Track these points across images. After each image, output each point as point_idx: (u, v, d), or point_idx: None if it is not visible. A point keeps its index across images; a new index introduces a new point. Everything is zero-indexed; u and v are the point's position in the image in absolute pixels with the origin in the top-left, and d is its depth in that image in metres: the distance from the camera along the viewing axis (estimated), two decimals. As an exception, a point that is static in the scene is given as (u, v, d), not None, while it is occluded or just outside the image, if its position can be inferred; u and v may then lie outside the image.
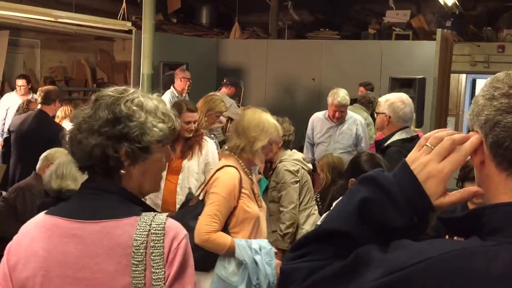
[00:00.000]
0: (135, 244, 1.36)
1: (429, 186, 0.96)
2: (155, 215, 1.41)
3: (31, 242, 1.42)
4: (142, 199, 1.54)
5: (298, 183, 4.12)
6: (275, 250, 2.96)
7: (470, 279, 0.84)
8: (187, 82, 6.61)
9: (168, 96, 6.29)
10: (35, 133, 5.18)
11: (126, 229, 1.39)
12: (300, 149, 5.23)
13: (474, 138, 0.97)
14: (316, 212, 4.24)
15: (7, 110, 6.93)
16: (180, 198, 3.75)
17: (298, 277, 0.97)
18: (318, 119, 5.70)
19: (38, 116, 5.36)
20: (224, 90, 7.21)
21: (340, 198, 1.18)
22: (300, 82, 8.59)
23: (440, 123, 7.55)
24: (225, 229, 2.82)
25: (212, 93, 5.68)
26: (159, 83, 7.07)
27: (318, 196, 4.46)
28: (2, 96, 7.54)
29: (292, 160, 4.15)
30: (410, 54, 8.02)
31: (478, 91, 1.02)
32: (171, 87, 6.61)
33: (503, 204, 0.92)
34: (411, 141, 3.65)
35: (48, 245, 1.40)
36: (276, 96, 8.58)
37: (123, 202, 1.44)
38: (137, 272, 1.36)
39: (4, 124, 6.89)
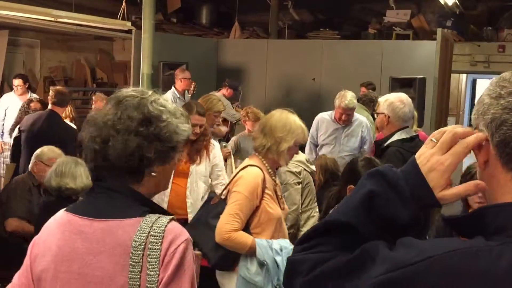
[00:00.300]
0: (134, 245, 1.36)
1: (432, 178, 0.97)
2: (158, 217, 1.41)
3: (48, 236, 1.47)
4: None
5: (300, 185, 4.11)
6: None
7: (475, 278, 0.84)
8: (193, 83, 6.61)
9: (169, 97, 6.28)
10: (46, 134, 5.22)
11: (127, 230, 1.39)
12: (301, 149, 5.20)
13: (480, 133, 0.97)
14: (317, 214, 4.20)
15: (5, 110, 6.92)
16: (190, 202, 3.73)
17: (304, 269, 0.98)
18: (323, 119, 5.48)
19: (49, 116, 5.41)
20: (222, 91, 7.25)
21: (336, 206, 1.19)
22: (300, 82, 8.57)
23: (440, 123, 7.53)
24: (246, 229, 2.79)
25: (210, 93, 5.67)
26: (159, 83, 7.06)
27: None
28: (1, 96, 7.52)
29: (295, 161, 4.12)
30: (411, 54, 8.01)
31: (478, 91, 1.02)
32: (173, 87, 6.62)
33: (508, 204, 0.92)
34: (411, 141, 3.65)
35: (60, 240, 1.44)
36: (276, 96, 8.55)
37: (133, 203, 1.44)
38: (133, 273, 1.36)
39: (3, 124, 6.88)
